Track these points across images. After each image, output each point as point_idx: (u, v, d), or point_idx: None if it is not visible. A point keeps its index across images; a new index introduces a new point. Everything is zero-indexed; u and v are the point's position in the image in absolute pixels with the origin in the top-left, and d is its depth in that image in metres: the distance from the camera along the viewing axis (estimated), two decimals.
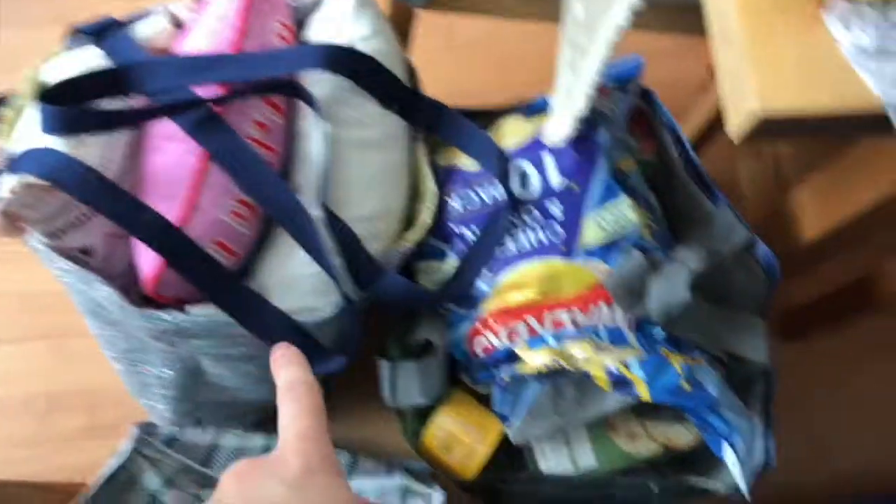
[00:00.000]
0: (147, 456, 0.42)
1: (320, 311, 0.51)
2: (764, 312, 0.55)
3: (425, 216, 0.56)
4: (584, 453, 0.55)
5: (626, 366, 0.48)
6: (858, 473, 0.78)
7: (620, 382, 0.48)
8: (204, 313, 0.49)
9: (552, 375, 0.51)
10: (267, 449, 0.48)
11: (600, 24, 0.47)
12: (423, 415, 0.56)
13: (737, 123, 0.39)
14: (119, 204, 0.45)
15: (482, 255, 0.55)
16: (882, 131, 0.38)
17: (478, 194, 0.57)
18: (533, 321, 0.53)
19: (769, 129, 0.39)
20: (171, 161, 0.50)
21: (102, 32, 0.55)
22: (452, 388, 0.57)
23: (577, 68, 0.51)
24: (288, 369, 0.35)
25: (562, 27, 0.53)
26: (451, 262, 0.57)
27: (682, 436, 0.56)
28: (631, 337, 0.52)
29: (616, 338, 0.52)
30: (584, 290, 0.53)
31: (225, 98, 0.50)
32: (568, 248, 0.54)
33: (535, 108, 0.60)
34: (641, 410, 0.56)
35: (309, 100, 0.52)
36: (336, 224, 0.51)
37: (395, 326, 0.58)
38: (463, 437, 0.55)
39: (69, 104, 0.47)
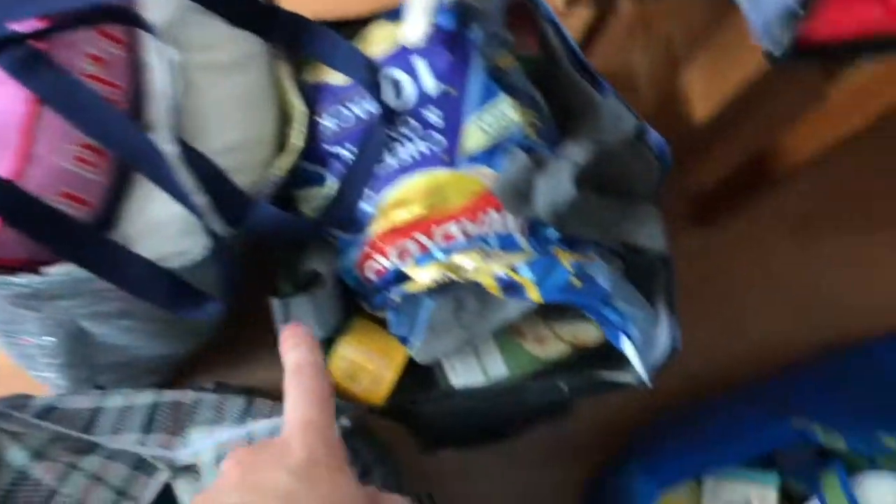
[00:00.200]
0: (7, 431, 0.39)
1: (189, 254, 0.48)
2: (657, 200, 0.54)
3: (295, 139, 0.52)
4: (494, 363, 0.55)
5: (515, 270, 0.47)
6: (773, 346, 0.81)
7: (511, 288, 0.47)
8: (61, 272, 0.45)
9: (445, 290, 0.50)
10: (154, 406, 0.46)
11: None
12: (324, 348, 0.54)
13: None
14: None
15: (362, 175, 0.52)
16: None
17: (350, 110, 0.53)
18: (422, 237, 0.51)
19: None
20: None
21: None
22: (353, 317, 0.55)
23: None
24: (295, 351, 0.33)
25: None
26: (331, 186, 0.53)
27: (589, 333, 0.56)
28: (522, 241, 0.51)
29: (507, 244, 0.50)
30: (471, 198, 0.51)
31: (47, 31, 0.45)
32: (450, 156, 0.51)
33: (401, 12, 0.56)
34: (547, 313, 0.55)
35: (143, 24, 0.47)
36: (195, 159, 0.47)
37: (284, 262, 0.55)
38: (367, 365, 0.53)
39: None
